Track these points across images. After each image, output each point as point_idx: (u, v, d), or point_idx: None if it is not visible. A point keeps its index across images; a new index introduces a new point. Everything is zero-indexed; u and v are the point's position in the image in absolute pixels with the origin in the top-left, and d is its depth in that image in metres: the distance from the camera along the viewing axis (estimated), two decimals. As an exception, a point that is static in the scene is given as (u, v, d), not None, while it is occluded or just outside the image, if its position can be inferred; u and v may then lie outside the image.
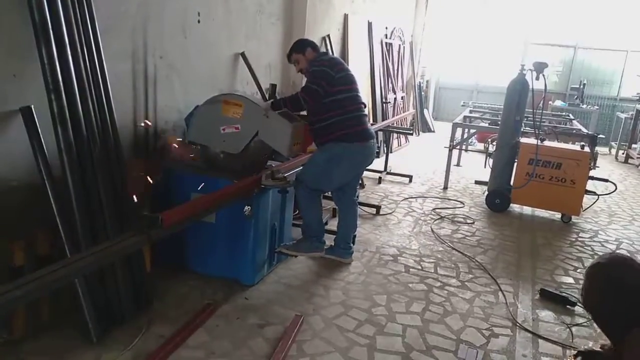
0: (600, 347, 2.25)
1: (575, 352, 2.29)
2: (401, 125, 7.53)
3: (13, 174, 2.32)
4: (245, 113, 2.96)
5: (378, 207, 4.90)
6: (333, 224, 4.17)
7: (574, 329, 2.97)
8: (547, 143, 5.05)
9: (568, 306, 3.22)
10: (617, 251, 4.32)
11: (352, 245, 3.69)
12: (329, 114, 3.25)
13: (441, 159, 6.67)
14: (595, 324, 2.98)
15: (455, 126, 6.29)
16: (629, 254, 4.13)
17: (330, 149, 3.28)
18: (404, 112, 8.84)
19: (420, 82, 10.55)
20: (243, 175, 2.98)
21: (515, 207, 5.38)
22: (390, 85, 8.25)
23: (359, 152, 3.37)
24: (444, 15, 11.26)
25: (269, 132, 2.98)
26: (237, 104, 2.96)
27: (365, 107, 3.50)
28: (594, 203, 5.33)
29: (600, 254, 4.19)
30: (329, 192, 3.97)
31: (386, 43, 8.07)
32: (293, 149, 3.02)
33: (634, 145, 8.90)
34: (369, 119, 5.79)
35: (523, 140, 5.19)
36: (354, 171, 3.51)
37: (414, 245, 4.11)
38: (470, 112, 7.65)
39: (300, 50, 3.41)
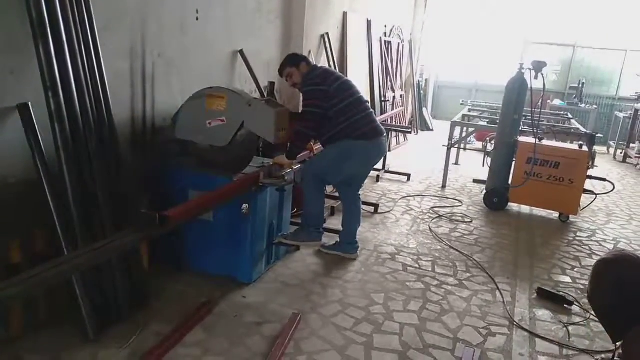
0: (618, 356, 2.20)
1: None
2: (400, 123, 7.53)
3: (10, 171, 2.32)
4: (229, 104, 2.96)
5: (376, 206, 4.91)
6: (331, 223, 4.18)
7: (570, 328, 2.97)
8: (545, 142, 5.06)
9: (565, 305, 3.23)
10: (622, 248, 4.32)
11: (357, 240, 3.71)
12: (335, 122, 3.31)
13: (440, 158, 6.67)
14: (592, 322, 3.01)
15: (453, 125, 6.30)
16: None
17: (339, 145, 3.34)
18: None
19: (419, 81, 10.54)
20: (233, 169, 2.97)
21: (513, 206, 5.39)
22: (389, 83, 8.25)
23: (368, 149, 3.42)
24: (443, 14, 11.26)
25: (254, 120, 2.98)
26: (220, 97, 2.97)
27: (369, 104, 3.52)
28: (592, 202, 5.35)
29: (601, 253, 4.21)
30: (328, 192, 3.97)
31: (385, 41, 8.07)
32: (279, 135, 3.02)
33: (632, 145, 8.92)
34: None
35: (521, 139, 5.19)
36: (362, 167, 3.55)
37: (411, 243, 4.11)
38: (469, 110, 7.65)
39: (293, 63, 3.43)
